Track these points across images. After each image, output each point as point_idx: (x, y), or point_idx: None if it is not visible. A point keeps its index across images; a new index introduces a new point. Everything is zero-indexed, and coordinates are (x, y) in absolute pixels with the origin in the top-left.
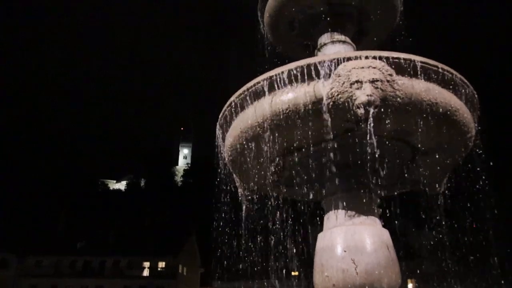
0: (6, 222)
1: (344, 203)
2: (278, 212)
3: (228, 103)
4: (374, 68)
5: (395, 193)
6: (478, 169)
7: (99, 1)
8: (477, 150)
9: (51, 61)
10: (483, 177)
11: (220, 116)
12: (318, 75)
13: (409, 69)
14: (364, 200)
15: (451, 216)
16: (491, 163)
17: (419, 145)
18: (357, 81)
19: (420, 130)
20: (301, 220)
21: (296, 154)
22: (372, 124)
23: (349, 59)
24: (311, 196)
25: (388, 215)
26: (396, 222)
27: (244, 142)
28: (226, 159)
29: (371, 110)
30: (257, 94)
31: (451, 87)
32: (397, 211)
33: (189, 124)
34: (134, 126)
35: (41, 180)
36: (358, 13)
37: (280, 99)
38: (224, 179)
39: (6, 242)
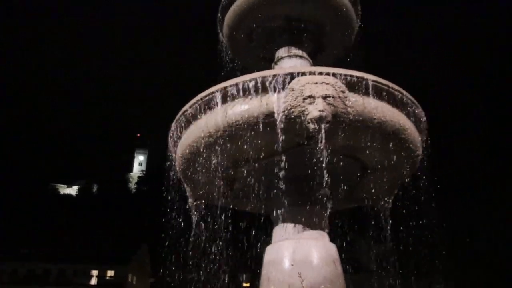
0: None
1: (293, 216)
2: (229, 224)
3: (181, 111)
4: (328, 84)
5: (345, 207)
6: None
7: (99, 1)
8: (424, 167)
9: (51, 61)
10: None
11: (172, 124)
12: (272, 88)
13: (361, 87)
14: (313, 215)
15: (399, 231)
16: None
17: (369, 162)
18: (310, 96)
19: (369, 147)
20: (253, 232)
21: (247, 166)
22: (323, 140)
23: (303, 74)
24: (261, 209)
25: (337, 229)
26: (346, 236)
27: (195, 152)
28: (177, 168)
29: (323, 126)
30: (210, 104)
31: (400, 106)
32: (347, 225)
33: (146, 131)
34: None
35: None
36: (315, 29)
37: (233, 110)
38: (176, 188)
39: None
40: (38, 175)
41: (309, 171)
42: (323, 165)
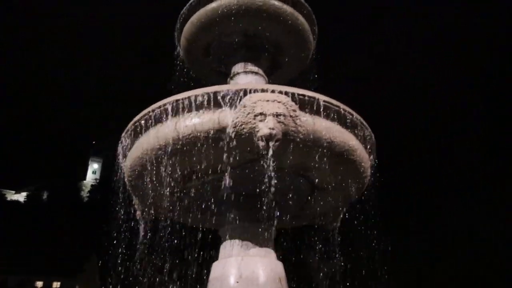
0: None
1: (240, 233)
2: (176, 238)
3: (131, 122)
4: (279, 102)
5: (295, 225)
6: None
7: (99, 1)
8: (372, 189)
9: (51, 61)
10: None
11: (123, 135)
12: (225, 103)
13: (312, 107)
14: (260, 232)
15: (347, 249)
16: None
17: (317, 181)
18: (261, 113)
19: (318, 166)
20: (200, 247)
21: (196, 181)
22: (272, 157)
23: (255, 91)
24: (209, 224)
25: (286, 246)
26: (295, 253)
27: (144, 164)
28: (126, 179)
29: (272, 143)
30: (162, 117)
31: (350, 127)
32: (298, 243)
33: (101, 138)
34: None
35: None
36: (272, 46)
37: (184, 124)
38: (124, 198)
39: None
40: None
41: (258, 189)
42: (271, 183)
